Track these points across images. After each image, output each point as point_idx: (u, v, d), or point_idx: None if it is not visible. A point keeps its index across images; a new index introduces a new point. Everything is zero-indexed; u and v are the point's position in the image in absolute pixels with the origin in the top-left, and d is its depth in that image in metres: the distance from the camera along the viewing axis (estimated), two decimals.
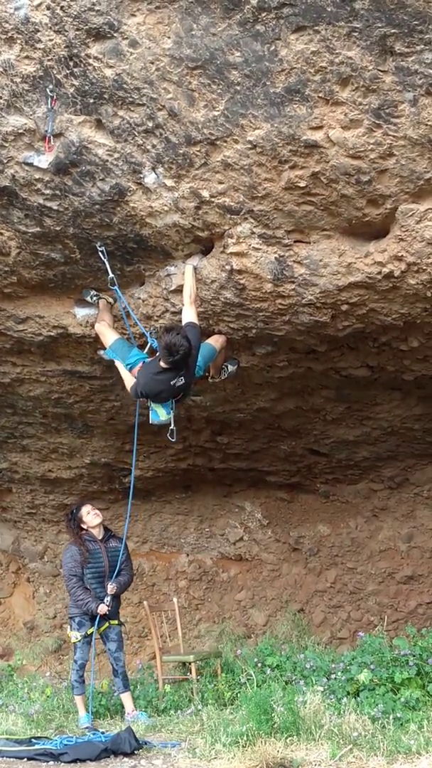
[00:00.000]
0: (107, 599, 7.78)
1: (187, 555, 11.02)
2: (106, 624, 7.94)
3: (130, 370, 6.92)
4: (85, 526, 8.11)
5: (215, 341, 7.00)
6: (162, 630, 9.28)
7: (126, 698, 7.92)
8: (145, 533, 10.87)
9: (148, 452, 9.43)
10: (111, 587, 7.82)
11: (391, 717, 6.35)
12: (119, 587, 7.96)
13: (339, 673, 7.46)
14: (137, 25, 5.21)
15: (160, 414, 6.75)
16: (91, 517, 8.12)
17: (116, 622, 8.04)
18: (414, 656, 7.33)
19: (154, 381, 6.61)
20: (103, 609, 7.75)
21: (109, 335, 7.06)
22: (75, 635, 7.91)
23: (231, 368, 7.38)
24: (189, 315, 6.52)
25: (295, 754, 5.74)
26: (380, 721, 6.27)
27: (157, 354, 6.57)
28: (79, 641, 7.88)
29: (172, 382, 6.56)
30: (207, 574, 10.96)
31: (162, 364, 6.49)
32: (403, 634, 8.45)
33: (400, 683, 7.08)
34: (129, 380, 6.88)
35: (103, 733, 7.08)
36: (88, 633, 7.85)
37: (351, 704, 6.67)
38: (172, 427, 6.76)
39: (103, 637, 8.02)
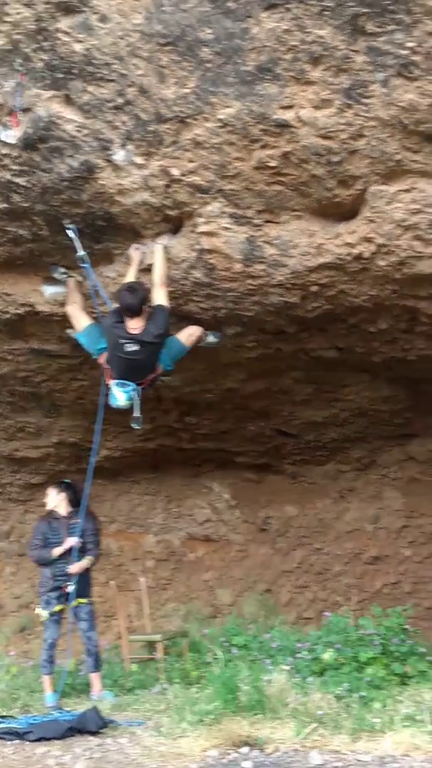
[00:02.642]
0: (71, 582, 7.78)
1: (155, 535, 11.02)
2: (76, 602, 7.91)
3: (99, 355, 6.83)
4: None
5: (187, 338, 6.85)
6: (129, 610, 9.29)
7: (95, 678, 7.92)
8: (112, 513, 10.85)
9: (116, 432, 9.39)
10: (72, 568, 7.82)
11: (355, 696, 6.41)
12: (81, 567, 7.96)
13: (305, 653, 7.51)
14: (107, 0, 5.15)
15: (118, 398, 6.59)
16: (48, 498, 8.31)
17: (86, 600, 8.01)
18: (379, 636, 7.40)
19: (109, 330, 6.56)
20: (72, 541, 7.85)
21: (81, 319, 6.93)
22: (43, 613, 7.89)
23: (212, 339, 7.16)
24: (158, 297, 6.46)
25: (261, 733, 5.78)
26: (345, 700, 6.33)
27: None
28: (48, 619, 7.87)
29: (121, 340, 6.44)
30: (174, 554, 10.97)
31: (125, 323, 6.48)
32: (368, 614, 8.50)
33: (365, 662, 7.15)
34: None
35: (68, 711, 7.07)
36: (55, 611, 7.84)
37: (316, 683, 6.73)
38: (136, 414, 6.61)
39: (74, 616, 8.01)
